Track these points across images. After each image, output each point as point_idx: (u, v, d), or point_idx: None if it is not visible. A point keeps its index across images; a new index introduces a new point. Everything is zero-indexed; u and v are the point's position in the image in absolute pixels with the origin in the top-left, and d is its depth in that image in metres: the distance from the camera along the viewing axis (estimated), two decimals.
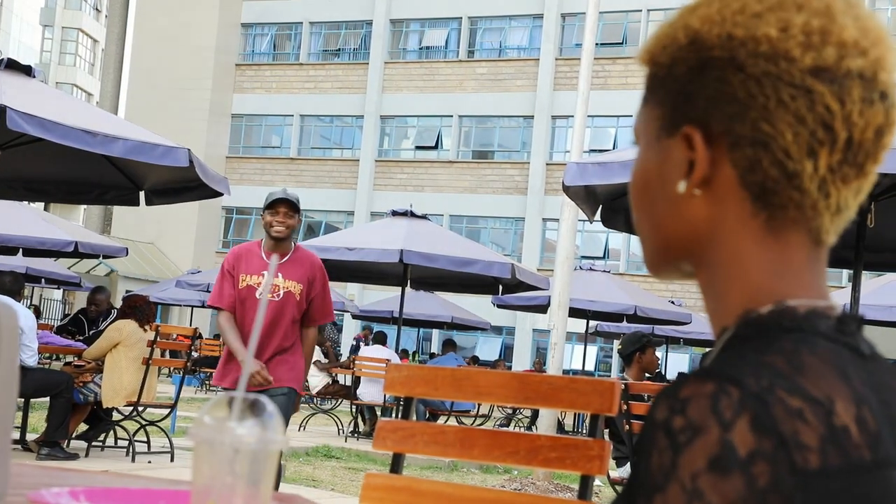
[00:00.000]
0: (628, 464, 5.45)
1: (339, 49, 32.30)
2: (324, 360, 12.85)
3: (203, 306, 22.52)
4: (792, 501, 0.62)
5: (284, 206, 4.50)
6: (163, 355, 7.24)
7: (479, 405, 11.35)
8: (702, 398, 0.64)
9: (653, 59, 0.77)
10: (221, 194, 6.44)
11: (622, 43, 28.62)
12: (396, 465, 1.77)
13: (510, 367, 25.39)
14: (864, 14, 0.72)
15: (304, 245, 6.68)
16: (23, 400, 7.29)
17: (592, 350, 26.49)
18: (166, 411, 7.61)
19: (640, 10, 28.27)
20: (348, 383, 13.35)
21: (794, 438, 0.63)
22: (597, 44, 10.75)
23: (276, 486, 4.02)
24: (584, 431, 12.83)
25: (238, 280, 4.55)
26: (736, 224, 0.73)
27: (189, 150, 5.75)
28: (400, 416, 1.81)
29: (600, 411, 1.67)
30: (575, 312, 11.89)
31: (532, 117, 29.06)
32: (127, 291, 7.46)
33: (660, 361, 6.50)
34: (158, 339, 6.87)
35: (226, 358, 4.62)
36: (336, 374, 12.86)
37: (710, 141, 0.72)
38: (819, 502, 0.63)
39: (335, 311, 5.85)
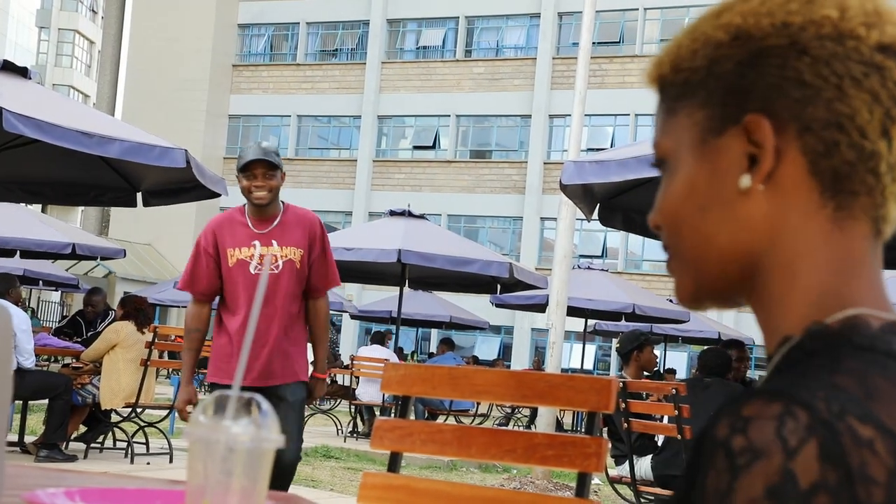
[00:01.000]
0: (626, 462, 5.46)
1: (337, 49, 32.30)
2: None
3: None
4: None
5: (261, 166, 3.77)
6: (161, 356, 7.24)
7: (478, 404, 11.36)
8: (767, 420, 0.60)
9: (677, 68, 0.75)
10: (219, 195, 6.43)
11: (619, 42, 28.64)
12: (394, 464, 1.77)
13: (509, 367, 25.39)
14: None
15: None
16: (21, 402, 7.28)
17: (591, 349, 26.50)
18: (165, 412, 7.61)
19: (637, 9, 28.28)
20: (347, 383, 13.35)
21: (861, 471, 0.59)
22: (594, 43, 10.75)
23: (286, 488, 3.78)
24: (583, 430, 12.86)
25: (225, 257, 3.83)
26: (801, 218, 0.69)
27: (186, 150, 5.74)
28: (397, 415, 1.81)
29: (597, 409, 1.67)
30: (573, 311, 11.89)
31: (529, 116, 29.07)
32: (125, 293, 7.44)
33: (658, 359, 6.50)
34: (156, 340, 6.87)
35: (221, 350, 3.84)
36: (335, 375, 12.85)
37: (776, 129, 0.69)
38: None
39: (332, 311, 5.46)
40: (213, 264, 3.85)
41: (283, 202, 3.92)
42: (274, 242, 3.84)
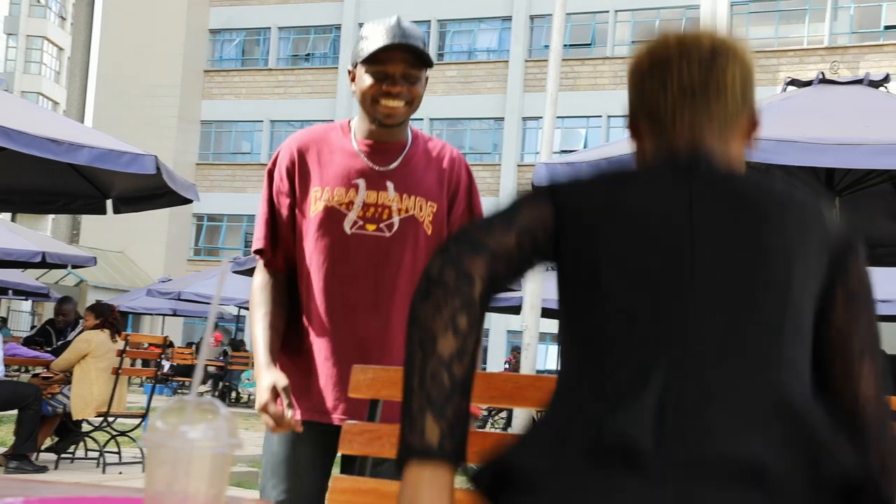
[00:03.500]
0: None
1: (309, 54, 32.21)
2: None
3: (175, 314, 22.32)
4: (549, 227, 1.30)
5: (403, 59, 2.16)
6: (133, 365, 7.18)
7: None
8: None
9: None
10: (191, 201, 6.40)
11: (590, 44, 28.78)
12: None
13: (485, 369, 25.41)
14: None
15: None
16: None
17: None
18: (137, 421, 7.54)
19: (608, 11, 28.44)
20: None
21: (570, 203, 1.29)
22: (565, 45, 10.80)
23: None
24: None
25: (308, 197, 2.22)
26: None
27: (156, 157, 5.71)
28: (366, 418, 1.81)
29: None
30: (548, 312, 11.91)
31: (503, 119, 29.14)
32: (97, 301, 7.40)
33: None
34: (128, 348, 6.82)
35: (297, 377, 2.20)
36: None
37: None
38: (569, 220, 1.28)
39: None
40: (290, 202, 2.26)
41: (410, 128, 2.31)
42: (390, 187, 2.22)
